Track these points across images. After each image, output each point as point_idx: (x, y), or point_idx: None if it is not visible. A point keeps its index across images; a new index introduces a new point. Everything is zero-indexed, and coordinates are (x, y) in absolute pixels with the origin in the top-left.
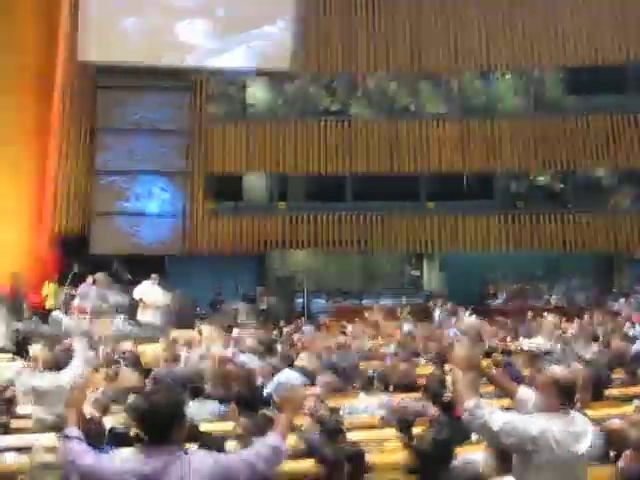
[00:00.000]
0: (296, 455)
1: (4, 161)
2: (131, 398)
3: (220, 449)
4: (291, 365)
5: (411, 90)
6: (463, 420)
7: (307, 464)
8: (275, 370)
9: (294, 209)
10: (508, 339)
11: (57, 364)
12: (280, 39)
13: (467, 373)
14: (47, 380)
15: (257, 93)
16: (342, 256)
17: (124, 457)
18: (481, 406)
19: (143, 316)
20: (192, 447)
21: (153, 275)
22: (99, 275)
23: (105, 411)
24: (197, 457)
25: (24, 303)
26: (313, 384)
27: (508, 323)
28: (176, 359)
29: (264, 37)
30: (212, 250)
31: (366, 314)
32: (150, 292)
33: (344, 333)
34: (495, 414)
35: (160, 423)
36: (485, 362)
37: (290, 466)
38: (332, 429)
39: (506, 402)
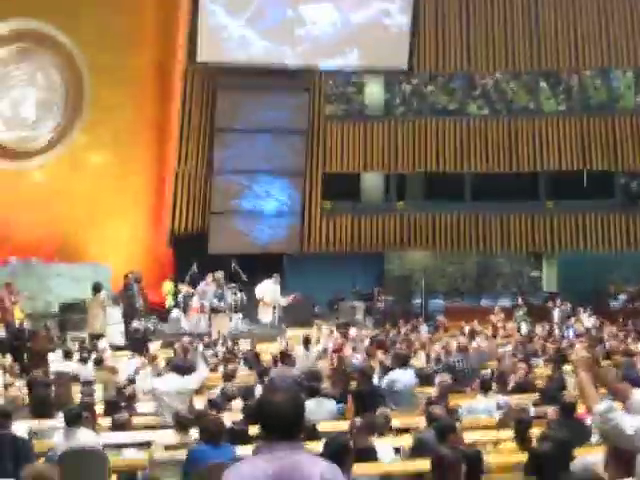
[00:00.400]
0: (412, 454)
1: (122, 160)
2: (251, 396)
3: (344, 448)
4: (405, 364)
5: (530, 88)
6: (592, 423)
7: (422, 464)
8: (388, 369)
9: (412, 209)
10: (628, 340)
11: (179, 368)
12: (397, 38)
13: (589, 374)
14: (170, 383)
15: (374, 93)
16: (460, 256)
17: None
18: (613, 409)
19: (263, 315)
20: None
21: (274, 274)
22: (217, 274)
23: (222, 409)
24: (327, 467)
25: (141, 301)
26: (429, 384)
27: (628, 324)
28: (292, 358)
29: (381, 36)
30: (329, 250)
31: (492, 317)
32: (271, 291)
33: (462, 333)
34: (625, 417)
35: (285, 421)
36: (605, 363)
37: (406, 465)
38: (444, 427)
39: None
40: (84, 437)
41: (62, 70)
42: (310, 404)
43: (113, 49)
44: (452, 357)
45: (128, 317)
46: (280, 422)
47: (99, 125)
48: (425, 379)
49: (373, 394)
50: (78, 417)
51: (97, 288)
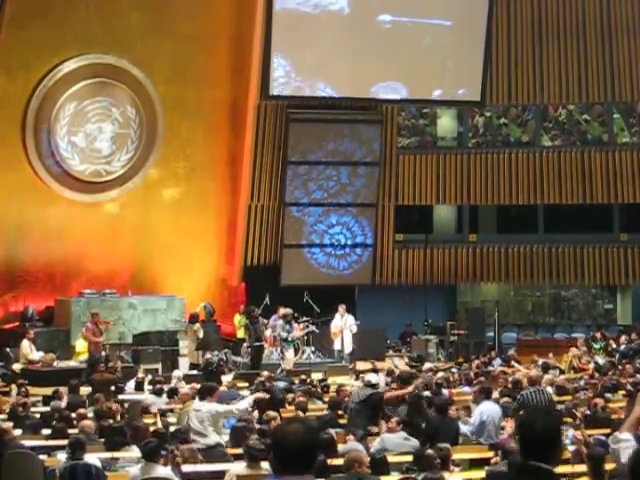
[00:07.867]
0: None
1: (195, 193)
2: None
3: None
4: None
5: (603, 120)
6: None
7: None
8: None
9: (485, 241)
10: None
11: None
12: (470, 71)
13: None
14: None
15: (447, 125)
16: (533, 288)
17: None
18: (619, 440)
19: (335, 346)
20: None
21: (340, 305)
22: (285, 311)
23: None
24: None
25: (215, 333)
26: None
27: None
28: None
29: (454, 69)
30: (401, 282)
31: (574, 349)
32: (338, 324)
33: (535, 366)
34: (629, 450)
35: (296, 454)
36: None
37: None
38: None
39: None
40: (159, 470)
41: (137, 104)
42: (393, 437)
43: (187, 84)
44: (524, 391)
45: (203, 348)
46: (290, 454)
47: (173, 159)
48: None
49: (452, 427)
50: (156, 450)
51: (193, 319)
